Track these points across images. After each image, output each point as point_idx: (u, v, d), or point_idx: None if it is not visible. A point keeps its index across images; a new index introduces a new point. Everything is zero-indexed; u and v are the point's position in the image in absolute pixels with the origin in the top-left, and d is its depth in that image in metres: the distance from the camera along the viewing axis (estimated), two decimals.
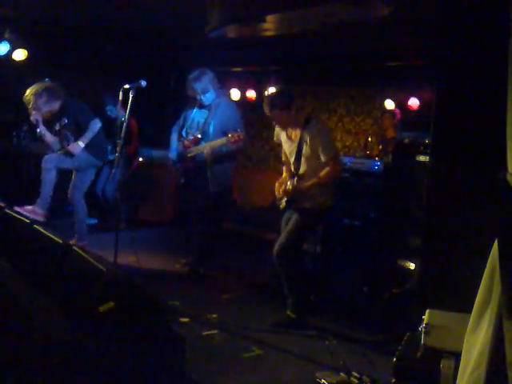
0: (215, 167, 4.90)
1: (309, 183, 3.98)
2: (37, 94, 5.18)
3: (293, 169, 4.08)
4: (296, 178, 4.02)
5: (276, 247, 4.02)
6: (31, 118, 5.26)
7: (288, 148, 4.17)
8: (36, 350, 2.45)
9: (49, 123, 5.39)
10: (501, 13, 2.00)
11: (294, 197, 4.04)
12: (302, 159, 4.02)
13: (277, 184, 4.17)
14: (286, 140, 4.19)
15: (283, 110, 3.99)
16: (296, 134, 4.07)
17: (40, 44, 6.25)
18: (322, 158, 3.94)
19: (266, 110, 4.04)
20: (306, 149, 3.98)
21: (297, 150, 4.05)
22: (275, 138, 4.35)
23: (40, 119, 5.25)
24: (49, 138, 5.36)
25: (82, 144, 5.23)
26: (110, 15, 5.24)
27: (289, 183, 4.05)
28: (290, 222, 4.08)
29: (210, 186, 4.91)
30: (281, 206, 4.15)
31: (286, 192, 4.07)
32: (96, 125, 5.33)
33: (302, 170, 4.03)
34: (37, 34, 6.08)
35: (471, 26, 3.08)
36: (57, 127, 5.41)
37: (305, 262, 4.62)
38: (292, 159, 4.10)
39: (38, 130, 5.33)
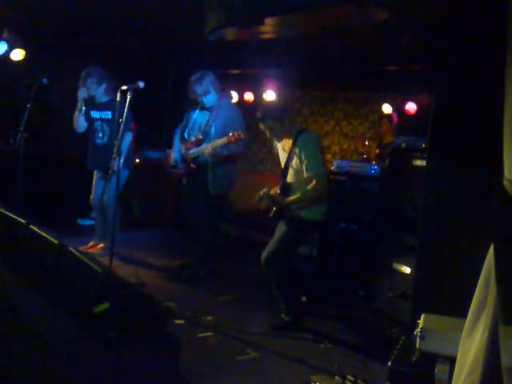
0: (216, 169, 4.92)
1: (291, 198, 3.96)
2: (90, 73, 5.35)
3: (281, 179, 4.08)
4: (278, 190, 4.03)
5: (263, 254, 4.00)
6: (78, 92, 5.37)
7: (282, 158, 4.17)
8: (29, 350, 2.44)
9: (90, 106, 5.51)
10: (499, 18, 2.00)
11: (281, 207, 4.02)
12: (290, 171, 4.01)
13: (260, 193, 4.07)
14: (280, 150, 4.19)
15: (276, 120, 3.98)
16: (289, 144, 4.06)
17: (38, 44, 6.24)
18: (305, 174, 3.91)
19: (259, 121, 4.03)
20: (294, 161, 3.97)
21: (286, 161, 4.05)
22: (274, 149, 4.34)
23: (85, 98, 5.38)
24: (80, 119, 5.45)
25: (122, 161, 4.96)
26: (109, 16, 5.24)
27: (272, 192, 4.05)
28: (279, 231, 4.07)
29: (209, 187, 4.92)
30: (270, 215, 4.12)
31: (273, 201, 4.05)
32: (129, 137, 5.40)
33: (288, 181, 4.04)
34: (35, 33, 6.07)
35: (469, 32, 3.10)
36: (95, 115, 5.51)
37: (296, 265, 4.61)
38: (282, 169, 4.11)
39: (80, 108, 5.42)
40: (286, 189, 4.03)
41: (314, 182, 3.88)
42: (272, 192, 4.06)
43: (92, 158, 5.65)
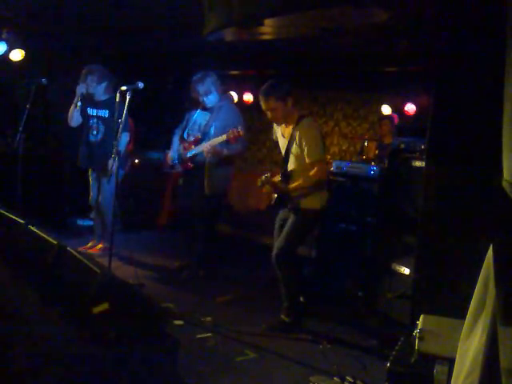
0: (213, 171, 4.90)
1: (293, 185, 3.96)
2: (92, 71, 5.32)
3: (282, 167, 4.07)
4: (279, 177, 4.02)
5: (275, 250, 4.00)
6: (77, 88, 5.35)
7: (281, 145, 4.17)
8: (29, 351, 2.44)
9: (87, 103, 5.46)
10: (498, 20, 2.00)
11: (284, 195, 4.01)
12: (291, 157, 4.00)
13: (261, 179, 4.07)
14: (280, 137, 4.18)
15: (279, 100, 3.92)
16: (288, 131, 4.04)
17: (38, 44, 6.24)
18: (306, 160, 3.92)
19: (262, 99, 3.97)
20: (295, 147, 3.96)
21: (286, 148, 4.04)
22: (274, 137, 4.33)
23: (83, 94, 5.35)
24: (75, 114, 5.42)
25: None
26: (109, 16, 5.25)
27: (275, 179, 4.04)
28: (286, 224, 4.06)
29: (205, 188, 4.91)
30: (271, 202, 4.11)
31: (275, 187, 4.04)
32: (126, 137, 5.32)
33: (289, 168, 4.03)
34: (35, 33, 6.07)
35: (468, 33, 3.10)
36: (91, 112, 5.46)
37: (302, 267, 4.61)
38: (283, 157, 4.10)
39: (76, 103, 5.37)
40: (288, 176, 4.02)
41: (315, 168, 3.88)
42: (274, 179, 4.06)
43: (84, 156, 5.60)
